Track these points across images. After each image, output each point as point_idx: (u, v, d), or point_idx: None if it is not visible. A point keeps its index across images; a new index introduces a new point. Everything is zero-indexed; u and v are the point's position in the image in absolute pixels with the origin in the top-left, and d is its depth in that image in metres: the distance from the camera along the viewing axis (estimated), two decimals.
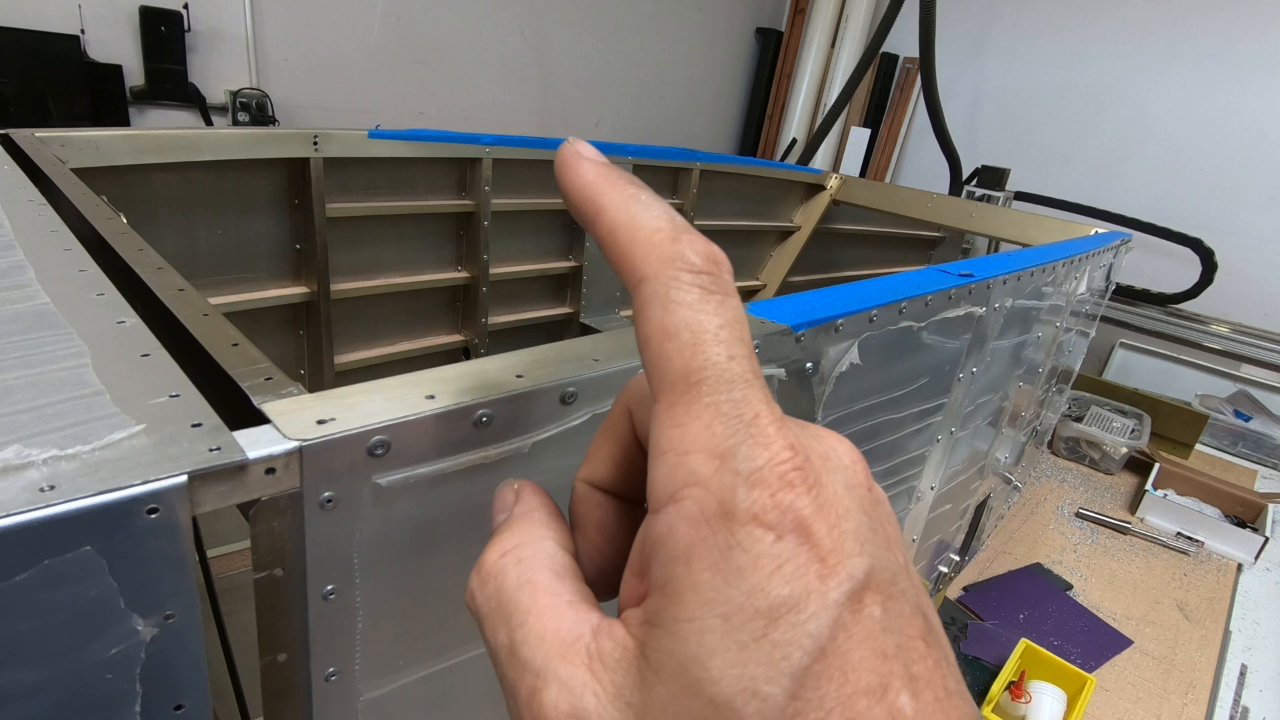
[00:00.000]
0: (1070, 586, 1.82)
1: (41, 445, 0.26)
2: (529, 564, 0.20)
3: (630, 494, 0.23)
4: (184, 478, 0.26)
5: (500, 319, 1.49)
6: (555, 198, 1.52)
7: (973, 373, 0.77)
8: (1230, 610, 1.87)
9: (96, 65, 3.11)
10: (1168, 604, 1.83)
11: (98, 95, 3.09)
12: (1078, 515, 2.10)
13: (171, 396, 0.31)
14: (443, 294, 1.42)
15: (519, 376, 0.36)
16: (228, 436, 0.29)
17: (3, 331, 0.35)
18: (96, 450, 0.27)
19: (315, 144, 1.10)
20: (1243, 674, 1.70)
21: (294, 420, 0.30)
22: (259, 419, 0.31)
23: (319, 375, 1.26)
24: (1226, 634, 1.78)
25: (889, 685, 0.16)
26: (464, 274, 1.41)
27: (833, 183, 2.04)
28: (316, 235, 1.15)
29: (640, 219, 0.20)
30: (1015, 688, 1.35)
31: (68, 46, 3.01)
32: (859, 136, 3.93)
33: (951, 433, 0.79)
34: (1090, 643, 1.65)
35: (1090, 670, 1.47)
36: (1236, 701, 1.60)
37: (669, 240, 0.19)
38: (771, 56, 4.23)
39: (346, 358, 1.31)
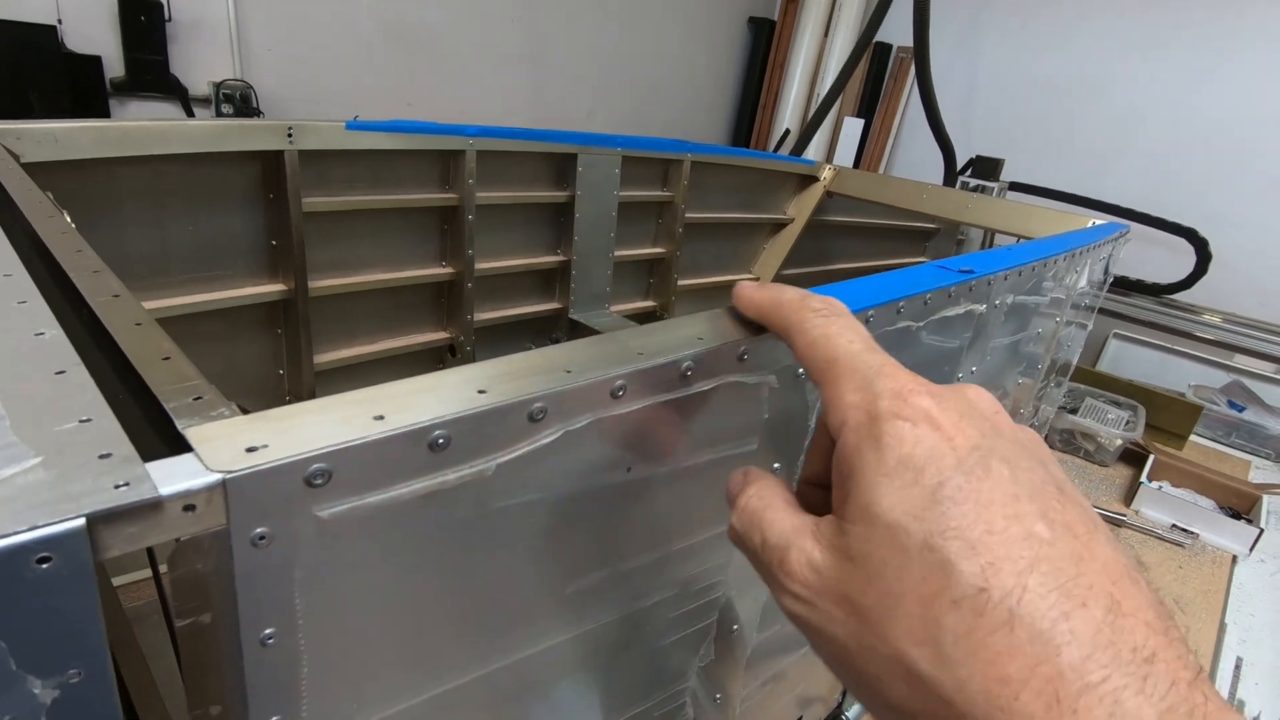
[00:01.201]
0: None
1: None
2: (768, 495, 0.30)
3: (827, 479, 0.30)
4: (82, 521, 0.23)
5: (487, 315, 1.45)
6: (543, 191, 1.48)
7: (972, 372, 0.74)
8: (1225, 603, 1.85)
9: (75, 56, 3.04)
10: (1164, 597, 1.82)
11: (77, 87, 3.02)
12: None
13: (81, 422, 0.27)
14: (427, 290, 1.38)
15: (481, 392, 0.33)
16: (139, 469, 0.25)
17: None
18: None
19: (290, 136, 1.06)
20: (1238, 667, 1.69)
21: (220, 448, 0.27)
22: (183, 446, 0.27)
23: (298, 375, 1.23)
24: (1222, 627, 1.77)
25: (1023, 514, 0.23)
26: (448, 270, 1.37)
27: (826, 174, 2.00)
28: (293, 230, 1.11)
29: (782, 297, 0.35)
30: None
31: (45, 37, 2.94)
32: (852, 127, 3.89)
33: None
34: None
35: None
36: (1232, 695, 1.59)
37: (799, 299, 0.34)
38: (764, 46, 4.18)
39: (327, 357, 1.27)
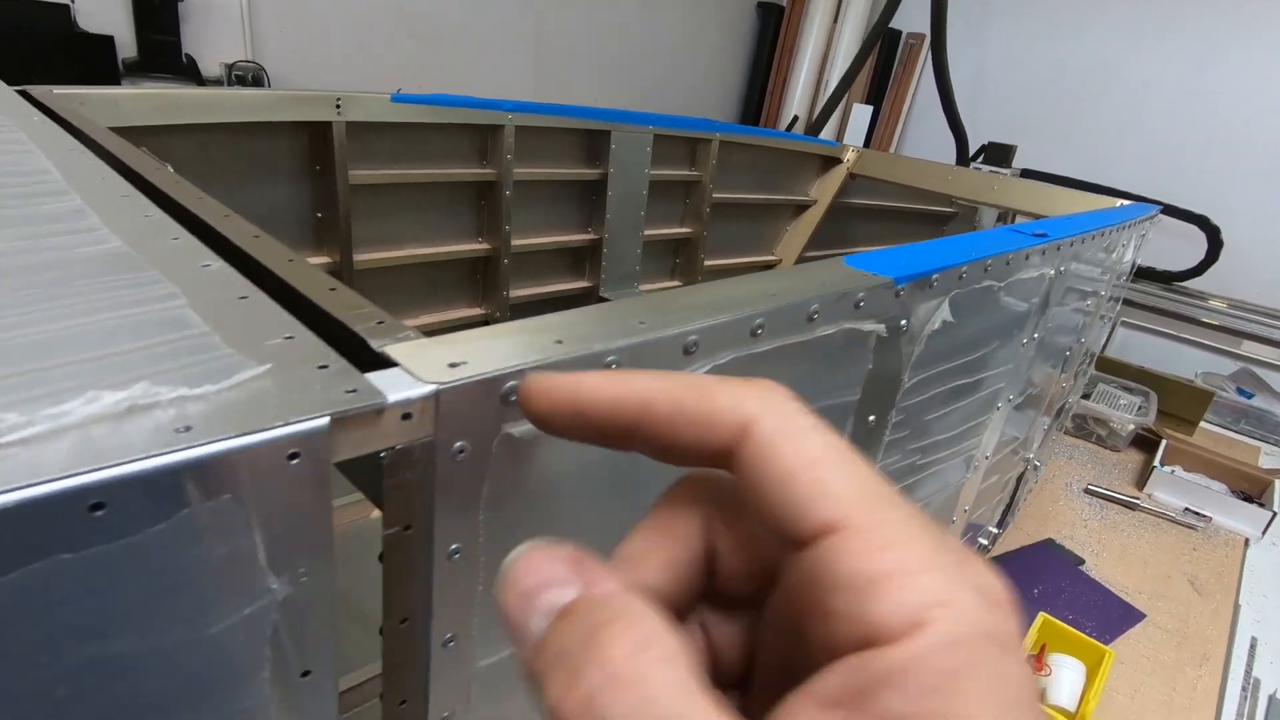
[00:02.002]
0: (1083, 561, 1.82)
1: (169, 383, 0.24)
2: (677, 663, 0.15)
3: (680, 605, 0.20)
4: (326, 420, 0.24)
5: (521, 292, 1.46)
6: (576, 168, 1.49)
7: (1035, 338, 0.75)
8: (1239, 584, 1.88)
9: (87, 36, 3.01)
10: (1178, 578, 1.85)
11: (89, 67, 2.99)
12: (1086, 491, 2.10)
13: (286, 338, 0.28)
14: (464, 265, 1.38)
15: (641, 323, 0.34)
16: (360, 379, 0.26)
17: (78, 274, 0.32)
18: (225, 390, 0.24)
19: (338, 107, 1.06)
20: (1253, 647, 1.72)
21: (424, 363, 0.28)
22: (383, 363, 0.28)
23: None
24: (1236, 608, 1.80)
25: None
26: (485, 245, 1.37)
27: (849, 156, 2.01)
28: (340, 203, 1.11)
29: (688, 384, 0.19)
30: (1036, 660, 1.35)
31: (58, 17, 2.91)
32: (861, 114, 3.89)
33: (1010, 400, 0.78)
34: (1104, 616, 1.66)
35: (1106, 644, 1.48)
36: (1248, 673, 1.62)
37: (745, 384, 0.18)
38: (773, 31, 4.17)
39: None
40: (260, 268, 0.37)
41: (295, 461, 0.24)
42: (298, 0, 3.34)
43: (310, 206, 1.13)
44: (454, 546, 0.30)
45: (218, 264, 0.35)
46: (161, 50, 3.06)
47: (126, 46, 3.04)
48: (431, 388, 0.27)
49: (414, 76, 3.29)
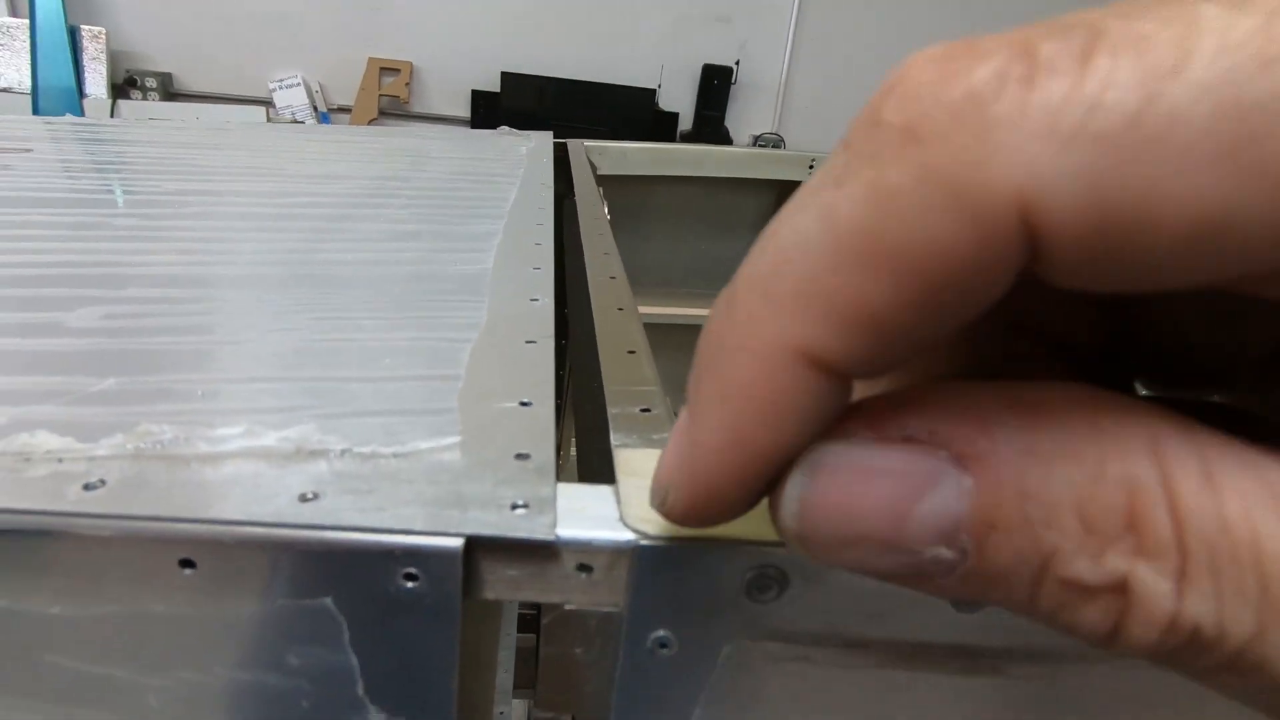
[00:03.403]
0: None
1: (337, 433, 0.19)
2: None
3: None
4: (459, 543, 0.16)
5: None
6: None
7: None
8: None
9: (662, 114, 3.79)
10: None
11: (658, 136, 3.75)
12: None
13: (521, 405, 0.22)
14: None
15: None
16: (547, 489, 0.18)
17: (435, 290, 0.32)
18: (391, 458, 0.19)
19: (811, 167, 1.04)
20: None
21: (641, 492, 0.18)
22: (606, 474, 0.20)
23: None
24: None
25: None
26: None
27: None
28: None
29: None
30: None
31: (645, 98, 3.74)
32: None
33: None
34: None
35: None
36: None
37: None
38: None
39: None
40: (588, 312, 0.32)
41: (411, 584, 0.17)
42: (826, 77, 3.62)
43: None
44: None
45: (545, 300, 0.31)
46: (709, 123, 3.67)
47: (685, 120, 3.72)
48: (630, 537, 0.17)
49: None
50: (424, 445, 0.19)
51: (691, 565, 0.17)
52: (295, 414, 0.20)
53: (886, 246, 0.09)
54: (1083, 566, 0.10)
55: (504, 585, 0.17)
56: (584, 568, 0.17)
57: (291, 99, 3.58)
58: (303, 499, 0.17)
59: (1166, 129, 0.08)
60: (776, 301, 0.10)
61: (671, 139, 3.72)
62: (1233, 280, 0.09)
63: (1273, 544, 0.09)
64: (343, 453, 0.19)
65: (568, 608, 0.18)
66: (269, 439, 0.19)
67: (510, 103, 3.59)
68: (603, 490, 0.19)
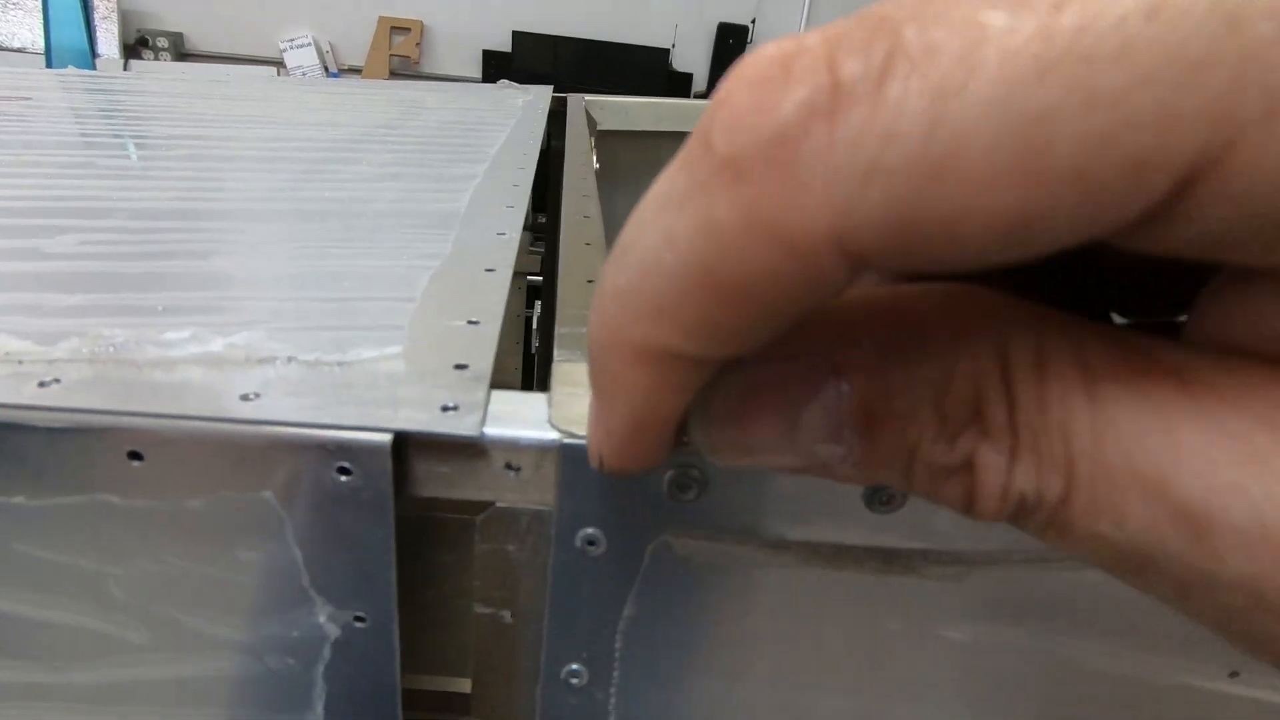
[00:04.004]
0: None
1: (288, 342, 0.20)
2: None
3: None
4: (387, 438, 0.17)
5: None
6: None
7: None
8: None
9: (676, 74, 3.72)
10: None
11: (672, 97, 3.68)
12: None
13: (469, 323, 0.23)
14: None
15: None
16: (479, 394, 0.19)
17: (408, 225, 0.33)
18: (335, 366, 0.20)
19: None
20: None
21: (579, 399, 0.19)
22: (545, 384, 0.20)
23: None
24: None
25: None
26: None
27: None
28: None
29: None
30: None
31: (658, 59, 3.67)
32: None
33: None
34: None
35: None
36: None
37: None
38: None
39: None
40: (554, 241, 0.33)
41: (345, 479, 0.17)
42: None
43: None
44: (572, 668, 0.21)
45: (512, 234, 0.32)
46: None
47: (700, 80, 3.65)
48: (554, 437, 0.18)
49: None
50: (367, 355, 0.20)
51: None
52: (248, 327, 0.21)
53: (720, 279, 0.10)
54: (939, 451, 0.11)
55: (436, 482, 0.18)
56: (512, 466, 0.18)
57: (302, 59, 3.56)
58: (244, 398, 0.18)
59: (955, 152, 0.08)
60: (636, 314, 0.11)
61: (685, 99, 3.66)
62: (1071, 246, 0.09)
63: (1079, 422, 0.10)
64: (289, 360, 0.20)
65: (499, 505, 0.19)
66: (216, 345, 0.20)
67: (522, 63, 3.54)
68: (538, 397, 0.19)
